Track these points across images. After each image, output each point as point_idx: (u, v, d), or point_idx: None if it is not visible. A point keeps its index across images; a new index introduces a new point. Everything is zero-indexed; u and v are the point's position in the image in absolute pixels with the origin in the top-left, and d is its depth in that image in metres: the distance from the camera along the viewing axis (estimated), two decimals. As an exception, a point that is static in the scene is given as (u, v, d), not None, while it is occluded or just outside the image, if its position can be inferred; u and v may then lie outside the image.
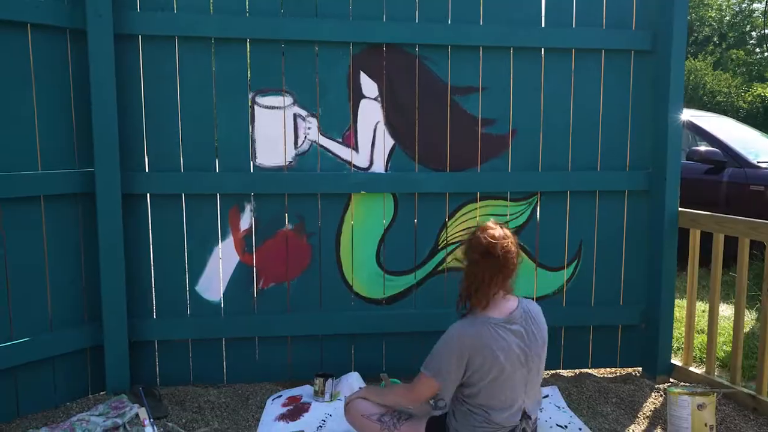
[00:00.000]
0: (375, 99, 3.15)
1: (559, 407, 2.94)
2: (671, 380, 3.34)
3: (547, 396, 3.04)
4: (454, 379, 2.24)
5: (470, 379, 2.23)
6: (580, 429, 2.74)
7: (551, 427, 2.75)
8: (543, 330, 2.36)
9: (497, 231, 2.31)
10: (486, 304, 2.29)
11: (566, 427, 2.75)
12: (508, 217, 3.29)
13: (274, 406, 2.91)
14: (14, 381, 2.76)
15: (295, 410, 2.83)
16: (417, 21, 3.12)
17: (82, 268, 2.93)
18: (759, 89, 18.79)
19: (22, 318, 2.75)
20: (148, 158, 3.00)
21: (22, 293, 2.75)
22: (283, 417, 2.79)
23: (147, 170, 3.00)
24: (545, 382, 3.25)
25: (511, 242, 2.31)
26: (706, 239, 3.19)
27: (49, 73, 2.77)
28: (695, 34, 25.24)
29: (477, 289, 2.29)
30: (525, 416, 2.29)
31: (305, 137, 3.12)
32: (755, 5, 25.56)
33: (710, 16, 26.06)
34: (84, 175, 2.87)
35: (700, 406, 2.60)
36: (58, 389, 2.89)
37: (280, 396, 2.99)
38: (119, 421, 2.64)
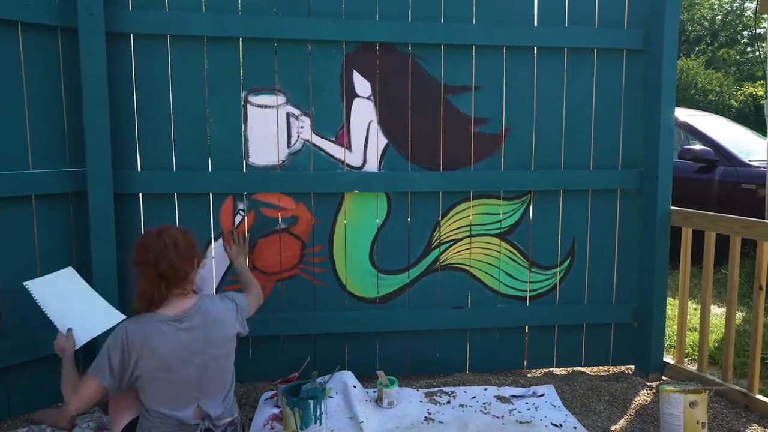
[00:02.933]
0: (368, 98, 3.15)
1: (555, 406, 2.95)
2: (663, 378, 3.36)
3: (543, 395, 3.05)
4: (117, 375, 2.22)
5: (137, 378, 2.24)
6: (575, 428, 2.75)
7: (546, 426, 2.76)
8: (223, 328, 2.38)
9: (150, 238, 2.31)
10: (153, 307, 2.29)
11: (561, 425, 2.76)
12: (501, 216, 3.30)
13: (266, 407, 2.90)
14: (6, 382, 2.75)
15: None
16: (410, 20, 3.12)
17: (74, 267, 2.91)
18: (750, 88, 18.90)
19: (13, 318, 2.74)
20: (140, 157, 2.99)
21: (12, 293, 2.73)
22: (276, 418, 2.78)
23: (139, 169, 2.99)
24: (540, 381, 3.26)
25: (169, 244, 2.29)
26: (698, 237, 3.21)
27: (40, 72, 2.76)
28: (687, 33, 25.34)
29: (140, 294, 2.30)
30: (205, 416, 2.29)
31: (298, 136, 3.11)
32: (747, 4, 25.68)
33: (702, 15, 26.16)
34: (75, 174, 2.85)
35: (692, 404, 2.62)
36: (50, 390, 2.87)
37: (274, 396, 2.98)
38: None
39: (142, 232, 3.01)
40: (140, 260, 2.31)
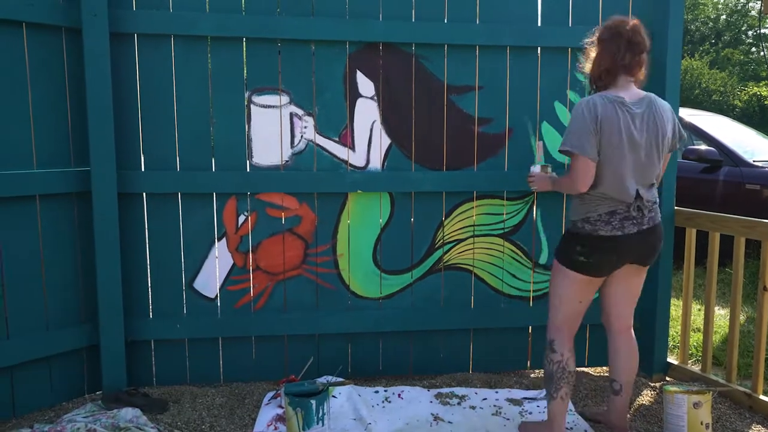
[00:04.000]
0: (371, 98, 3.15)
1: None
2: (667, 378, 3.35)
3: None
4: (596, 147, 2.40)
5: (599, 148, 2.40)
6: (585, 431, 2.74)
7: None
8: (666, 122, 2.47)
9: (629, 19, 2.51)
10: (613, 83, 2.48)
11: (572, 429, 2.75)
12: (504, 216, 3.30)
13: (270, 407, 2.91)
14: (10, 380, 2.76)
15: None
16: (413, 20, 3.12)
17: (78, 267, 2.92)
18: (755, 88, 18.85)
19: (17, 318, 2.75)
20: (144, 157, 3.00)
21: (17, 293, 2.74)
22: (280, 419, 2.78)
23: (143, 169, 3.00)
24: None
25: (642, 29, 2.48)
26: (703, 238, 3.20)
27: (44, 71, 2.76)
28: (691, 33, 25.29)
29: (605, 68, 2.48)
30: (638, 196, 2.43)
31: (302, 136, 3.11)
32: (751, 4, 25.62)
33: (706, 15, 26.11)
34: (80, 174, 2.86)
35: (696, 405, 2.61)
36: (54, 389, 2.89)
37: (277, 396, 2.99)
38: (118, 422, 2.63)
39: (146, 232, 3.02)
40: (613, 32, 2.48)
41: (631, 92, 2.47)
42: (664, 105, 2.52)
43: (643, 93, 2.50)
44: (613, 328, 2.73)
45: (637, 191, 2.43)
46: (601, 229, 2.44)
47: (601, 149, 2.40)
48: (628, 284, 2.63)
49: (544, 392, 3.09)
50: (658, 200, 2.54)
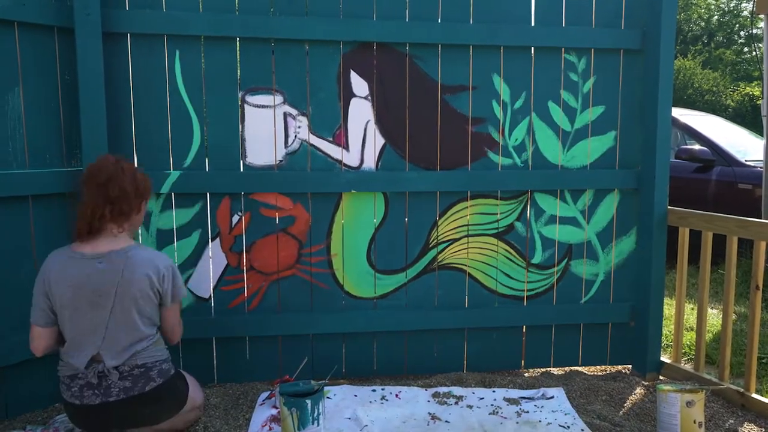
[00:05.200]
0: (365, 98, 3.15)
1: (563, 408, 2.93)
2: (661, 377, 3.36)
3: (552, 397, 3.05)
4: (47, 315, 2.29)
5: (57, 312, 2.29)
6: (582, 430, 2.75)
7: (553, 428, 2.76)
8: (137, 280, 2.29)
9: (108, 160, 2.34)
10: (87, 235, 2.29)
11: (569, 428, 2.76)
12: (498, 216, 3.30)
13: (265, 408, 2.90)
14: (1, 382, 2.74)
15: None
16: (407, 20, 3.12)
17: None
18: (747, 88, 18.96)
19: (9, 319, 2.73)
20: (136, 157, 2.98)
21: (9, 293, 2.72)
22: (275, 419, 2.78)
23: (136, 169, 2.98)
24: (537, 380, 3.27)
25: (124, 172, 2.32)
26: (696, 237, 3.21)
27: (36, 71, 2.75)
28: (684, 33, 25.41)
29: (80, 217, 2.30)
30: (96, 361, 2.27)
31: (295, 136, 3.11)
32: (743, 4, 25.76)
33: (699, 15, 26.23)
34: (72, 174, 2.84)
35: (689, 403, 2.62)
36: (47, 391, 2.87)
37: (271, 396, 2.98)
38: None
39: (140, 234, 3.01)
40: (90, 180, 2.29)
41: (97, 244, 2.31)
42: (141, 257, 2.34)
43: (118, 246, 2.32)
44: None
45: (98, 354, 2.27)
46: (65, 395, 2.33)
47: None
48: None
49: (541, 391, 3.10)
50: (146, 362, 2.34)
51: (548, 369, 3.47)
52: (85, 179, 2.33)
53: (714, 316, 4.35)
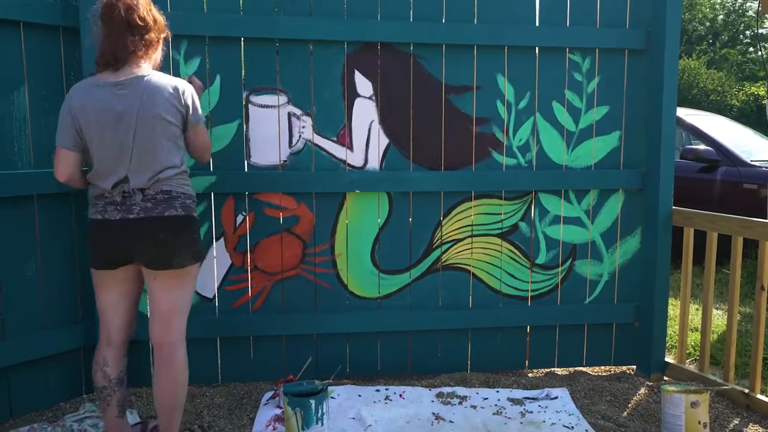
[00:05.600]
0: (370, 98, 3.15)
1: (567, 408, 2.93)
2: (665, 378, 3.36)
3: (557, 397, 3.04)
4: (74, 138, 2.29)
5: (85, 142, 2.29)
6: (586, 431, 2.74)
7: (558, 428, 2.76)
8: (158, 99, 2.27)
9: None
10: (112, 66, 2.28)
11: (573, 428, 2.75)
12: (502, 216, 3.30)
13: (269, 407, 2.90)
14: (7, 381, 2.75)
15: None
16: (411, 20, 3.12)
17: (76, 267, 2.92)
18: (752, 88, 18.89)
19: (14, 318, 2.74)
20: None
21: (14, 293, 2.74)
22: (279, 419, 2.78)
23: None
24: (541, 381, 3.26)
25: (140, 3, 2.29)
26: (700, 238, 3.20)
27: (42, 71, 2.76)
28: (689, 33, 25.33)
29: (103, 51, 2.29)
30: (123, 182, 2.25)
31: (300, 136, 3.11)
32: (749, 4, 25.67)
33: (703, 15, 26.16)
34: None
35: (694, 404, 2.61)
36: (52, 389, 2.88)
37: (275, 396, 2.98)
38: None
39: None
40: (108, 12, 2.27)
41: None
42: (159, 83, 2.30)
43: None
44: (151, 338, 2.42)
45: (126, 177, 2.26)
46: (90, 213, 2.33)
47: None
48: (150, 291, 2.37)
49: (545, 392, 3.10)
50: (171, 190, 2.31)
51: (552, 369, 3.47)
52: (102, 12, 2.29)
53: (719, 317, 4.34)
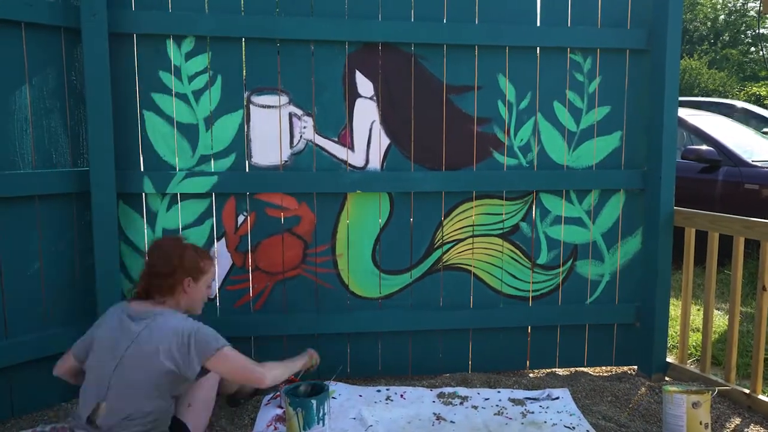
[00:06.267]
0: (371, 98, 3.15)
1: (568, 409, 2.93)
2: (666, 378, 3.35)
3: (558, 398, 3.04)
4: (83, 350, 2.41)
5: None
6: (587, 431, 2.74)
7: (559, 428, 2.76)
8: (156, 339, 2.26)
9: (168, 239, 2.63)
10: (139, 296, 2.45)
11: (574, 428, 2.75)
12: (503, 216, 3.30)
13: (270, 408, 2.91)
14: (9, 381, 2.76)
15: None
16: (412, 20, 3.12)
17: (77, 267, 2.92)
18: (754, 88, 18.89)
19: (16, 317, 2.75)
20: (143, 157, 2.99)
21: (16, 293, 2.74)
22: (280, 419, 2.78)
23: (142, 169, 2.99)
24: (543, 381, 3.26)
25: (164, 248, 2.50)
26: (702, 238, 3.20)
27: (43, 72, 2.76)
28: (690, 33, 25.32)
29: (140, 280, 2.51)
30: (96, 414, 2.21)
31: (301, 136, 3.11)
32: (750, 4, 25.65)
33: (705, 15, 26.14)
34: (79, 174, 2.86)
35: (695, 405, 2.61)
36: (54, 389, 2.88)
37: (276, 396, 2.98)
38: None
39: (145, 233, 3.02)
40: (149, 253, 2.53)
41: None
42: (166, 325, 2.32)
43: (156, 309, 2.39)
44: None
45: (98, 408, 2.23)
46: None
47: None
48: None
49: (546, 392, 3.10)
50: None
51: (553, 370, 3.46)
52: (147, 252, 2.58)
53: (720, 317, 4.34)
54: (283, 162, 3.11)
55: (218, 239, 3.10)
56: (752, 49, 25.41)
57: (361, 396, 3.02)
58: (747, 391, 2.99)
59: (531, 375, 3.40)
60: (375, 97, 3.15)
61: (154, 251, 2.51)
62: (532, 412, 2.90)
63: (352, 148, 3.16)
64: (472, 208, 3.28)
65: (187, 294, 2.50)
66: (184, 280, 2.47)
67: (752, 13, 25.78)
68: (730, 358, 3.07)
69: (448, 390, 3.10)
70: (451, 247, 3.28)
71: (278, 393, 2.97)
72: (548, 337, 3.42)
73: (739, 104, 6.02)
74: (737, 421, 2.88)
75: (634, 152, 3.36)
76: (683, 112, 6.17)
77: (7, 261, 2.71)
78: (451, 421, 2.81)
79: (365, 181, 3.14)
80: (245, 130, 3.06)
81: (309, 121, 3.11)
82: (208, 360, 2.34)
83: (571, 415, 2.88)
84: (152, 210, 3.02)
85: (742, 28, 26.27)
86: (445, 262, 3.29)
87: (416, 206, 3.23)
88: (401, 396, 3.04)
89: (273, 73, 3.06)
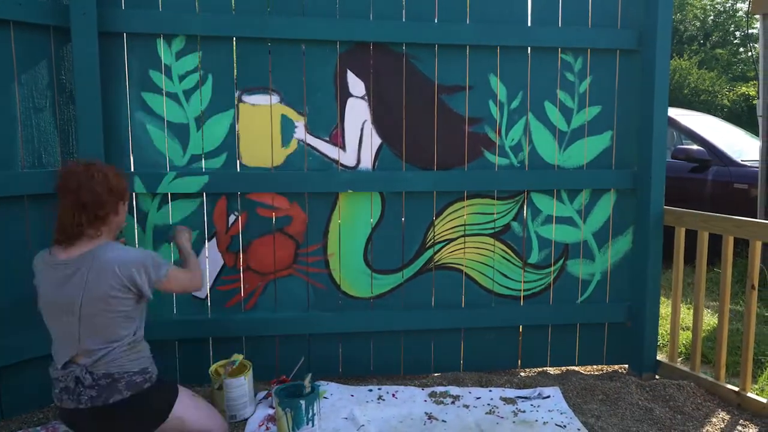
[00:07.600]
0: (362, 98, 3.15)
1: (560, 407, 2.94)
2: (657, 377, 3.37)
3: (549, 396, 3.05)
4: None
5: None
6: (578, 430, 2.75)
7: (550, 427, 2.76)
8: (103, 282, 2.19)
9: (77, 165, 2.28)
10: (66, 242, 2.25)
11: (565, 427, 2.76)
12: (495, 215, 3.31)
13: (262, 407, 2.90)
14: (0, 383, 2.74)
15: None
16: (404, 20, 3.12)
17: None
18: (743, 88, 19.01)
19: (5, 319, 2.72)
20: (133, 157, 2.98)
21: (5, 293, 2.72)
22: (271, 419, 2.78)
23: (132, 169, 2.98)
24: (534, 380, 3.27)
25: (94, 177, 2.25)
26: (692, 237, 3.22)
27: (32, 71, 2.74)
28: (680, 34, 25.46)
29: (57, 225, 2.26)
30: (74, 363, 2.21)
31: (292, 136, 3.11)
32: (739, 5, 25.83)
33: (694, 15, 26.29)
34: (68, 174, 2.84)
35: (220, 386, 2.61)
36: (43, 391, 2.86)
37: (268, 396, 2.98)
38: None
39: (135, 233, 3.01)
40: (61, 187, 2.26)
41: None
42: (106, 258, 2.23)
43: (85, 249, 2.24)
44: None
45: (74, 357, 2.21)
46: (53, 394, 2.29)
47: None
48: None
49: (538, 391, 3.11)
50: (114, 372, 2.21)
51: (545, 369, 3.48)
52: (57, 187, 2.29)
53: (710, 316, 4.36)
54: (274, 162, 3.10)
55: (209, 239, 3.09)
56: (741, 49, 25.59)
57: (352, 396, 3.02)
58: (736, 389, 3.01)
59: (522, 374, 3.41)
60: (366, 97, 3.15)
61: (75, 185, 2.24)
62: (524, 411, 2.91)
63: (343, 147, 3.16)
64: (463, 207, 3.28)
65: (119, 216, 2.38)
66: (118, 204, 2.35)
67: (741, 13, 25.98)
68: (720, 357, 3.09)
69: (439, 389, 3.10)
70: (443, 246, 3.29)
71: (270, 392, 2.97)
72: (540, 336, 3.43)
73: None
74: (727, 418, 2.90)
75: (625, 152, 3.37)
76: (673, 112, 6.21)
77: (-3, 261, 2.69)
78: (443, 421, 2.81)
79: (357, 180, 3.14)
80: (236, 129, 3.05)
81: (300, 121, 3.10)
82: (161, 284, 2.35)
83: (562, 413, 2.89)
84: (143, 210, 3.01)
85: (731, 28, 26.45)
86: (437, 261, 3.29)
87: (408, 206, 3.23)
88: (393, 395, 3.04)
89: (264, 72, 3.05)
